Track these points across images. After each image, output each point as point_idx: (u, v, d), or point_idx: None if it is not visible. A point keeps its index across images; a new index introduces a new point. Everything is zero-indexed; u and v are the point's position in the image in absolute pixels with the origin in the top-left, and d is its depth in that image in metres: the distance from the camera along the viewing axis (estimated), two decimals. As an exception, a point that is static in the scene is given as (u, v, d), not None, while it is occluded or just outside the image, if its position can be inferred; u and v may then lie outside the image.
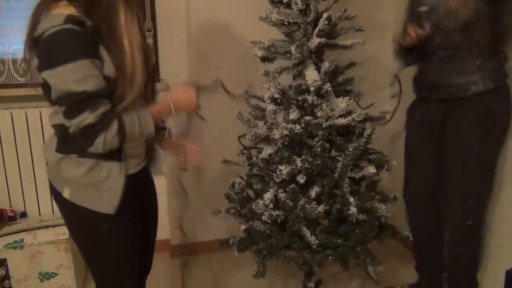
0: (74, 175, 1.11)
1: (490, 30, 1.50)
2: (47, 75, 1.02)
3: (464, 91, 1.53)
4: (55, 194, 1.17)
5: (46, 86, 1.05)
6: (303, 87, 1.67)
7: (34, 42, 1.03)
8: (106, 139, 1.04)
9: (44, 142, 1.88)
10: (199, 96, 1.22)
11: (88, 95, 1.01)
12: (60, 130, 1.11)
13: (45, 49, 1.01)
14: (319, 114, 1.65)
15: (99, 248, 1.20)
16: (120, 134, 1.06)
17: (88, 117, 1.01)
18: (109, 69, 1.05)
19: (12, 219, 2.01)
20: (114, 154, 1.11)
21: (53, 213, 2.13)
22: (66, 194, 1.13)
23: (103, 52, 1.04)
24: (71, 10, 1.01)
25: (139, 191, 1.25)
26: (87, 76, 1.00)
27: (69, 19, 0.99)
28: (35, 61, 1.05)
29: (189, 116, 1.38)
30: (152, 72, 1.25)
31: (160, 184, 1.51)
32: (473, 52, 1.52)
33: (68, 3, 1.03)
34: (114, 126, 1.05)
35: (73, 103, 1.01)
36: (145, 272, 1.43)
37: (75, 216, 1.17)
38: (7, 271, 1.85)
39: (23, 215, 2.08)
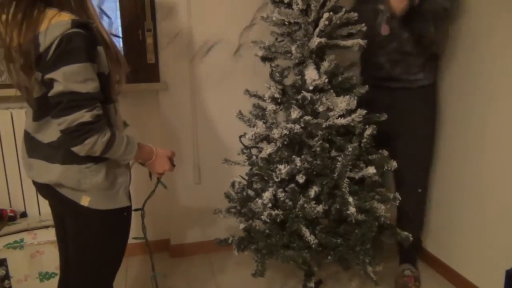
0: (96, 182, 1.14)
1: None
2: (53, 74, 1.02)
3: (411, 83, 2.00)
4: (69, 205, 1.17)
5: (48, 85, 1.06)
6: (299, 83, 1.67)
7: (38, 58, 1.04)
8: (96, 142, 1.06)
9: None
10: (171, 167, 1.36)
11: (89, 96, 1.04)
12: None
13: (57, 51, 1.02)
14: (320, 109, 1.65)
15: (110, 241, 1.25)
16: (108, 144, 1.09)
17: (85, 116, 1.03)
18: (104, 65, 1.09)
19: (12, 219, 2.00)
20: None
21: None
22: (84, 202, 1.15)
23: (101, 50, 1.08)
24: (70, 16, 1.04)
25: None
26: (88, 79, 1.03)
27: (75, 22, 1.02)
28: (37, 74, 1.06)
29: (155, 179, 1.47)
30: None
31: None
32: (418, 57, 1.95)
33: (60, 10, 1.05)
34: (107, 133, 1.08)
35: (72, 101, 1.02)
36: None
37: (97, 221, 1.19)
38: (7, 271, 1.85)
39: (23, 215, 2.07)
